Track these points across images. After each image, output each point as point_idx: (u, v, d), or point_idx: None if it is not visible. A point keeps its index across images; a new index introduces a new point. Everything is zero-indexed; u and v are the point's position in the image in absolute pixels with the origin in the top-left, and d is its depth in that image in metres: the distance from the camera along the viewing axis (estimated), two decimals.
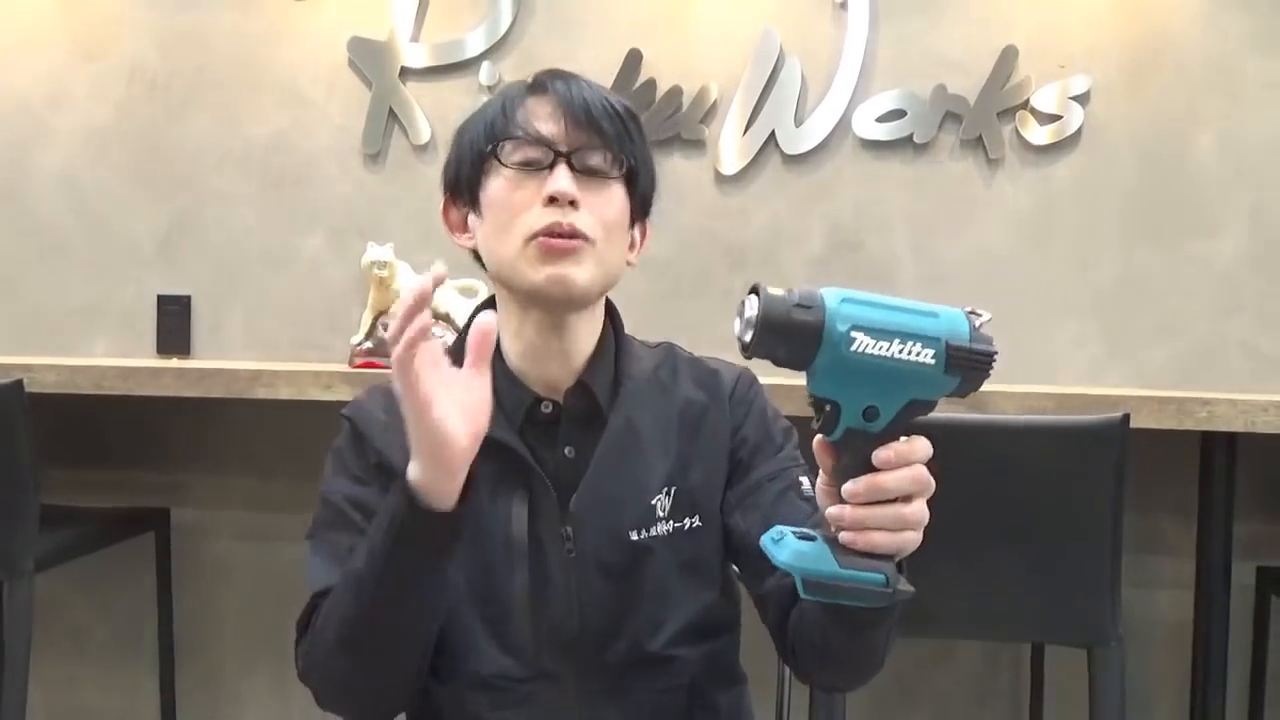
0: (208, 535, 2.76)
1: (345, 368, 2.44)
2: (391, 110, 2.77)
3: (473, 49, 2.75)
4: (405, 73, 2.78)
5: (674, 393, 1.28)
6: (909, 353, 0.89)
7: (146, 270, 2.84)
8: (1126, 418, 1.77)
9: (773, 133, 2.70)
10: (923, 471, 0.93)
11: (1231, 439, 2.21)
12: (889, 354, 0.89)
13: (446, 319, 2.48)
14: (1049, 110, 2.65)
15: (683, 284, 2.72)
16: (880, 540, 0.92)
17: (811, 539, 0.93)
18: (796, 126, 2.70)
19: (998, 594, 1.80)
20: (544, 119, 1.20)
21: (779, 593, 1.19)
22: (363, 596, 1.09)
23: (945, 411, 1.06)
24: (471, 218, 1.26)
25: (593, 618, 1.21)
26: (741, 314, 0.91)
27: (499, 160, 1.21)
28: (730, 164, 2.72)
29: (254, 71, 2.81)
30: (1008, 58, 2.65)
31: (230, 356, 2.80)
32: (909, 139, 2.69)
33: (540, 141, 1.19)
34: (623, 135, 1.22)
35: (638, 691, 1.22)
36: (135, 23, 2.83)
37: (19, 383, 2.06)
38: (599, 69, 2.65)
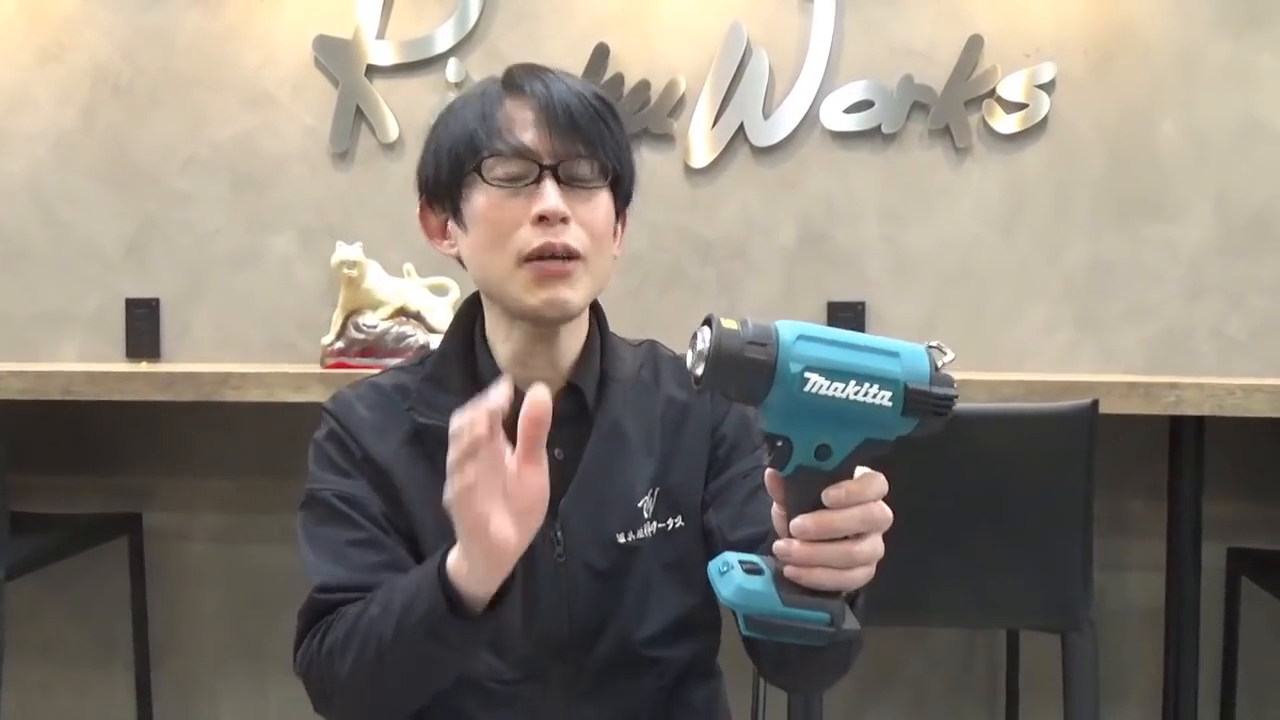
0: (181, 539, 2.74)
1: (317, 368, 2.43)
2: (359, 109, 2.76)
3: (440, 45, 2.74)
4: (371, 70, 2.76)
5: (657, 392, 1.29)
6: (865, 394, 0.86)
7: (114, 274, 2.82)
8: (1095, 404, 1.78)
9: (741, 125, 2.70)
10: (875, 510, 0.91)
11: (1200, 422, 2.24)
12: (844, 395, 0.86)
13: (418, 317, 2.48)
14: (1015, 99, 2.67)
15: (653, 278, 2.72)
16: (825, 578, 0.90)
17: (759, 571, 0.91)
18: (765, 119, 2.70)
19: (971, 581, 1.81)
20: (525, 127, 1.17)
21: None
22: (385, 662, 1.08)
23: None
24: (452, 225, 1.24)
25: (581, 619, 1.21)
26: (694, 346, 0.87)
27: (481, 176, 1.18)
28: (699, 157, 2.72)
29: (219, 72, 2.79)
30: (973, 47, 2.66)
31: (200, 359, 2.78)
32: (877, 129, 2.69)
33: (524, 155, 1.17)
34: (605, 138, 1.20)
35: (620, 691, 1.23)
36: (97, 24, 2.80)
37: None
38: (566, 64, 2.58)
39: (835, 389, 0.85)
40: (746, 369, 0.85)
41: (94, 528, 2.54)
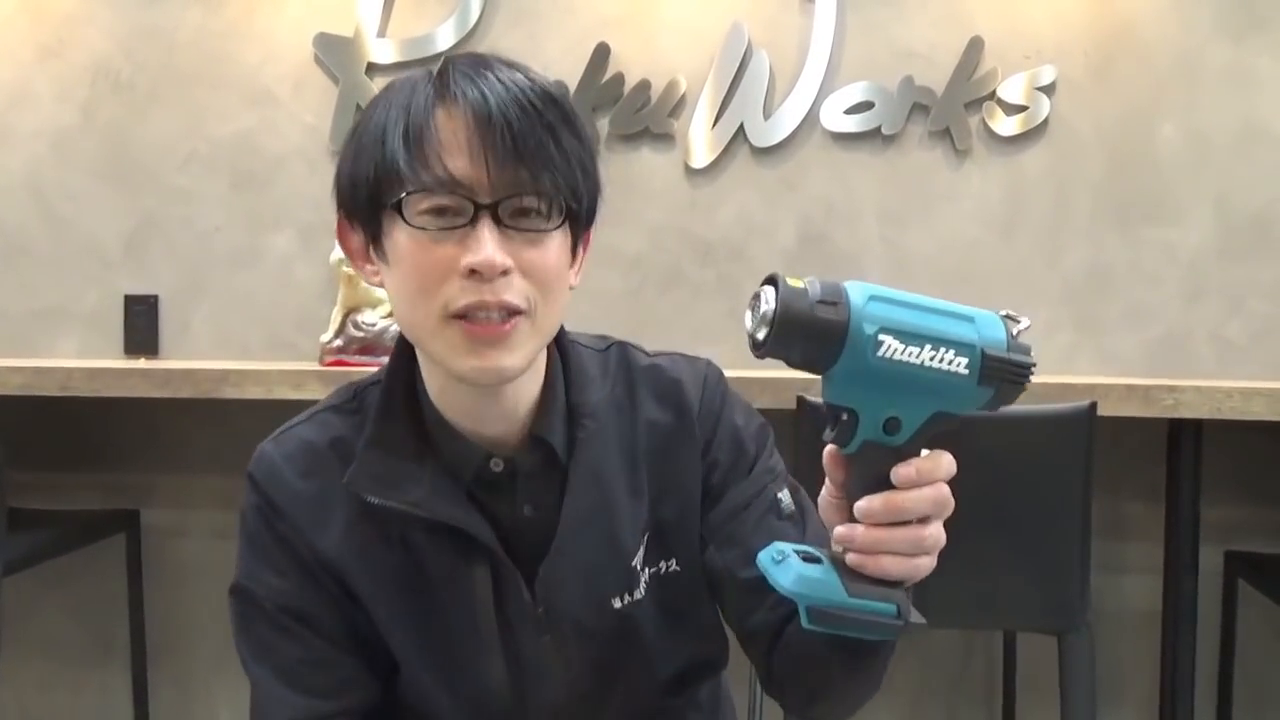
0: (178, 536, 2.74)
1: (316, 366, 2.43)
2: (359, 107, 2.75)
3: (440, 44, 2.74)
4: (372, 69, 2.76)
5: (635, 416, 1.12)
6: (941, 360, 0.80)
7: (113, 271, 2.82)
8: (1094, 406, 1.78)
9: (741, 125, 2.70)
10: (945, 491, 0.84)
11: (1198, 425, 2.24)
12: (919, 361, 0.79)
13: None
14: (1016, 101, 2.67)
15: (652, 278, 2.72)
16: (892, 566, 0.84)
17: (816, 560, 0.85)
18: (765, 119, 2.70)
19: (969, 582, 1.80)
20: (457, 150, 0.95)
21: (766, 627, 1.08)
22: None
23: None
24: (373, 252, 1.03)
25: (579, 691, 1.10)
26: (755, 308, 0.80)
27: (402, 216, 0.97)
28: (699, 157, 2.72)
29: (219, 69, 2.79)
30: (974, 49, 2.66)
31: (199, 356, 2.78)
32: (877, 130, 2.69)
33: (454, 189, 0.95)
34: (555, 161, 0.97)
35: None
36: (97, 21, 2.80)
37: None
38: (567, 63, 2.66)
39: (910, 354, 0.79)
40: (816, 331, 0.78)
41: (91, 524, 2.54)
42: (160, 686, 2.72)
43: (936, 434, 0.84)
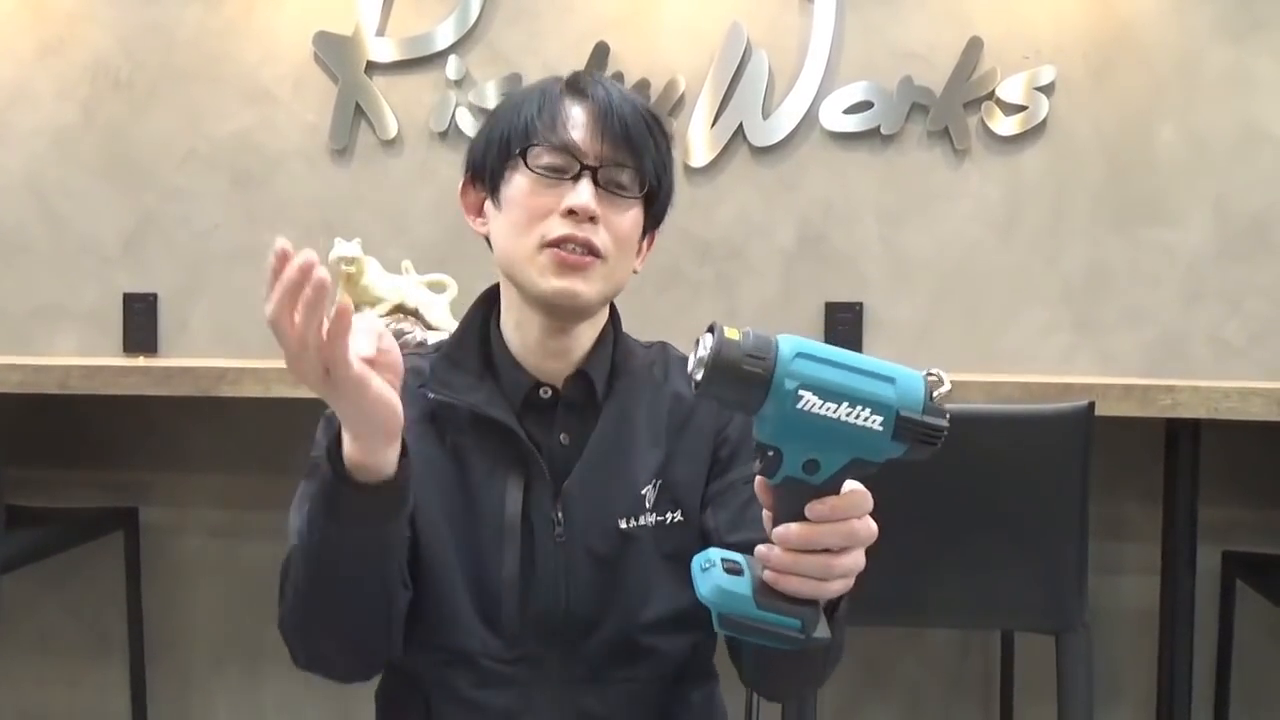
0: (176, 534, 2.74)
1: None
2: (358, 105, 2.76)
3: (440, 43, 2.75)
4: (371, 67, 2.76)
5: (665, 388, 1.32)
6: (856, 417, 0.88)
7: (112, 269, 2.82)
8: (1091, 405, 1.78)
9: (740, 125, 2.71)
10: (858, 526, 0.93)
11: (1195, 425, 2.24)
12: (836, 416, 0.88)
13: (416, 314, 2.48)
14: (1015, 101, 2.67)
15: (651, 278, 2.72)
16: (801, 587, 0.93)
17: (740, 571, 0.94)
18: (764, 119, 2.70)
19: (966, 581, 1.81)
20: (578, 126, 1.22)
21: None
22: (310, 563, 1.08)
23: None
24: (489, 204, 1.28)
25: (578, 602, 1.23)
26: (695, 352, 0.90)
27: (525, 162, 1.22)
28: (699, 157, 2.72)
29: (218, 67, 2.79)
30: (973, 49, 2.67)
31: (198, 354, 2.78)
32: (876, 130, 2.70)
33: (569, 150, 1.21)
34: (650, 152, 1.24)
35: (617, 680, 1.25)
36: (98, 19, 2.81)
37: None
38: (566, 62, 2.65)
39: (827, 409, 0.87)
40: (742, 380, 0.87)
41: (90, 522, 2.54)
42: (158, 684, 2.72)
43: (858, 474, 0.92)
